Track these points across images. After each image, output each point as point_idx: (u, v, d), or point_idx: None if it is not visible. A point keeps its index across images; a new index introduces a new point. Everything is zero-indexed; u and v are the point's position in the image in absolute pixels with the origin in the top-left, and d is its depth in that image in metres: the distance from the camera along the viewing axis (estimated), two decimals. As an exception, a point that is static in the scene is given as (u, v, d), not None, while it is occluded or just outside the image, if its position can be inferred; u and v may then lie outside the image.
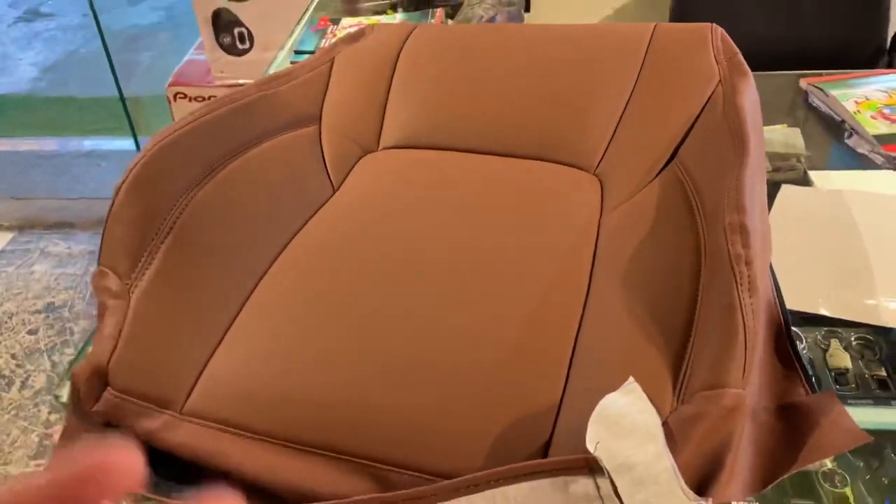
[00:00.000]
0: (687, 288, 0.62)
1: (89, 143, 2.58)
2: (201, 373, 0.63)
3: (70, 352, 1.98)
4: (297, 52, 1.40)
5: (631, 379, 0.53)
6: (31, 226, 2.39)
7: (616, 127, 0.85)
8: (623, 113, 0.86)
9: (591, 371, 0.60)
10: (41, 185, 2.44)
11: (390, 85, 0.93)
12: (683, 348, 0.58)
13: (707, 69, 0.85)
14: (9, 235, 2.38)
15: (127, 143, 2.38)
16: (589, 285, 0.69)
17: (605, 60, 0.89)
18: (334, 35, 1.42)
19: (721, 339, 0.54)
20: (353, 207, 0.79)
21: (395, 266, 0.70)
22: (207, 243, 0.71)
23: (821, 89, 1.10)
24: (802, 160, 1.02)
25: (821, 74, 1.14)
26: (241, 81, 2.07)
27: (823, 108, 1.09)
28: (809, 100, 1.13)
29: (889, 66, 1.79)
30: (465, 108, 0.89)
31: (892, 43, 1.81)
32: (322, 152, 0.86)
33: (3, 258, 2.22)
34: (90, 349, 0.62)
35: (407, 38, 0.97)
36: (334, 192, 0.84)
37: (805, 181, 0.99)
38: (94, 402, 0.60)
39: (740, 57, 0.86)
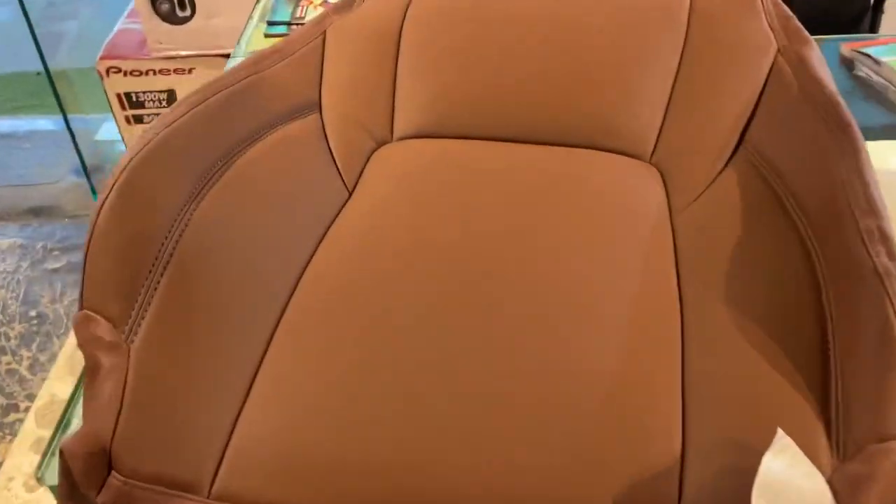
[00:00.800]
0: (808, 303, 0.53)
1: (9, 124, 2.33)
2: (228, 442, 0.50)
3: (7, 360, 1.79)
4: (271, 24, 1.23)
5: (780, 433, 0.43)
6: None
7: (667, 106, 0.74)
8: (672, 89, 0.75)
9: (711, 412, 0.50)
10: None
11: (397, 62, 0.80)
12: (825, 383, 0.48)
13: (761, 36, 0.75)
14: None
15: (54, 123, 2.15)
16: (680, 301, 0.58)
17: (644, 27, 0.78)
18: (311, 2, 1.26)
19: (882, 375, 0.45)
20: (377, 217, 0.66)
21: (446, 292, 0.58)
22: (213, 273, 0.57)
23: (869, 56, 1.01)
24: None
25: (861, 39, 1.06)
26: (182, 53, 1.88)
27: (875, 77, 1.01)
28: (855, 70, 1.04)
29: (872, 26, 1.73)
30: (491, 87, 0.76)
31: (875, 1, 1.75)
32: (329, 146, 0.73)
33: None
34: (79, 420, 0.49)
35: (409, 4, 0.84)
36: (350, 194, 0.71)
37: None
38: (97, 492, 0.47)
39: (796, 21, 0.76)
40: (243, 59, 0.82)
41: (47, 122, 2.25)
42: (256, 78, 0.71)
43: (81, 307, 0.52)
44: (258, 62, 0.73)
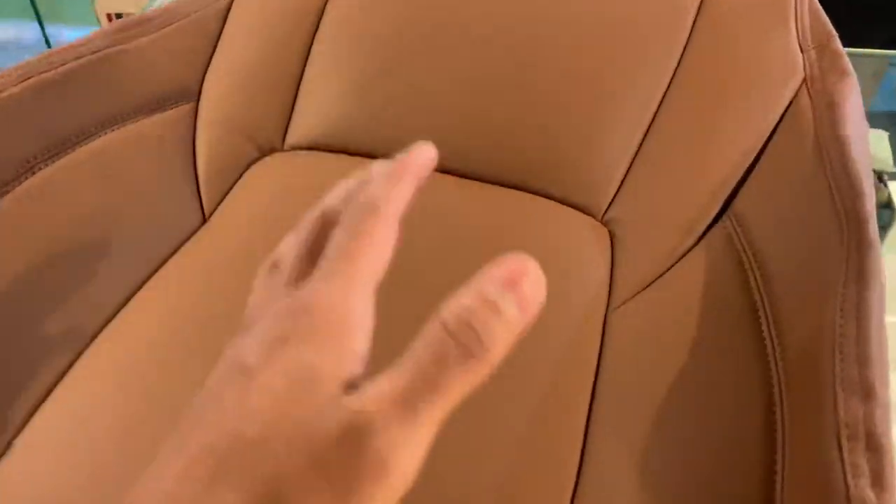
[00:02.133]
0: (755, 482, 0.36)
1: (10, 33, 2.20)
2: None
3: None
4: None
5: None
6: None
7: (640, 146, 0.56)
8: (651, 124, 0.56)
9: None
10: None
11: (310, 49, 0.62)
12: None
13: (787, 58, 0.56)
14: None
15: (30, 32, 2.01)
16: (586, 432, 0.42)
17: (632, 36, 0.59)
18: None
19: None
20: (221, 263, 0.50)
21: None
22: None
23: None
24: (886, 179, 0.74)
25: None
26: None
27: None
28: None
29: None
30: (419, 95, 0.58)
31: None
32: (193, 151, 0.57)
33: None
34: None
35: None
36: (204, 221, 0.55)
37: (893, 210, 0.71)
38: None
39: (837, 43, 0.57)
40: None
41: (26, 31, 2.10)
42: (111, 52, 0.55)
43: None
44: (125, 28, 0.57)
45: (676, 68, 0.57)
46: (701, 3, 0.61)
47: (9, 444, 0.42)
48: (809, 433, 0.35)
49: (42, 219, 0.48)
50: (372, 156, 0.59)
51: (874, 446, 0.31)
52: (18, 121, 0.48)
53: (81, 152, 0.51)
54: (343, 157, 0.58)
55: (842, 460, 0.31)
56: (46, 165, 0.49)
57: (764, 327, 0.42)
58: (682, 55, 0.57)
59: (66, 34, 1.98)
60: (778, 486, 0.35)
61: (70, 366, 0.46)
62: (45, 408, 0.44)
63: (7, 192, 0.47)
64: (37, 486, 0.40)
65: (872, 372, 0.34)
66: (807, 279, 0.41)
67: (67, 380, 0.45)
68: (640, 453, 0.40)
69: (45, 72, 0.51)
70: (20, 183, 0.47)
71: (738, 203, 0.50)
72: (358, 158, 0.58)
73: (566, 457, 0.42)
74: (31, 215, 0.48)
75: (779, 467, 0.36)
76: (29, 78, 0.50)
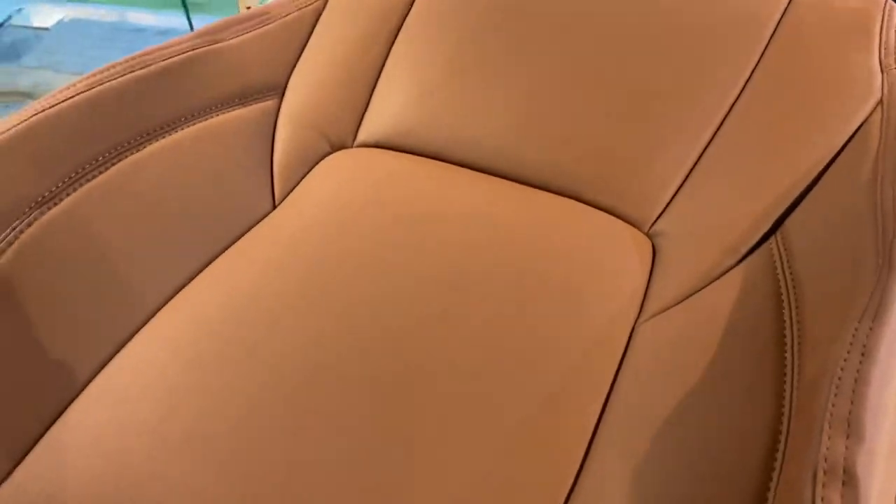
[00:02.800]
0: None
1: (166, 21, 2.39)
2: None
3: None
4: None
5: None
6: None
7: (695, 163, 0.55)
8: (711, 141, 0.56)
9: None
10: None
11: (388, 53, 0.66)
12: None
13: (865, 78, 0.53)
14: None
15: (178, 21, 2.17)
16: (594, 433, 0.43)
17: (700, 54, 0.58)
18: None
19: None
20: (288, 246, 0.55)
21: (334, 363, 0.47)
22: (44, 293, 0.49)
23: None
24: None
25: None
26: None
27: None
28: None
29: None
30: (480, 102, 0.61)
31: None
32: (272, 144, 0.62)
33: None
34: None
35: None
36: (274, 207, 0.60)
37: None
38: None
39: (922, 65, 0.54)
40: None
41: (177, 20, 2.27)
42: (208, 51, 0.61)
43: None
44: (221, 29, 0.63)
45: (744, 86, 0.56)
46: (781, 17, 0.59)
47: (77, 394, 0.49)
48: (795, 467, 0.34)
49: (129, 196, 0.54)
50: (431, 156, 0.61)
51: (851, 483, 0.31)
52: (118, 109, 0.54)
53: (169, 140, 0.57)
54: (405, 156, 0.61)
55: (813, 495, 0.31)
56: (137, 150, 0.55)
57: (788, 356, 0.41)
58: (752, 72, 0.56)
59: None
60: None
61: (136, 331, 0.52)
62: (112, 363, 0.50)
63: (102, 171, 0.53)
64: (100, 430, 0.46)
65: (865, 412, 0.33)
66: (833, 310, 0.40)
67: (132, 343, 0.51)
68: (639, 469, 0.41)
69: (147, 66, 0.57)
70: (114, 164, 0.54)
71: (789, 224, 0.48)
72: (418, 158, 0.61)
73: (566, 460, 0.43)
74: (120, 192, 0.54)
75: (770, 498, 0.36)
76: (132, 71, 0.56)
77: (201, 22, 1.99)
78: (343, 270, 0.52)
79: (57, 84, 1.85)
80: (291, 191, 0.60)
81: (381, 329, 0.48)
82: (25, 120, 0.50)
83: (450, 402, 0.44)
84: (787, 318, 0.43)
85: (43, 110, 0.51)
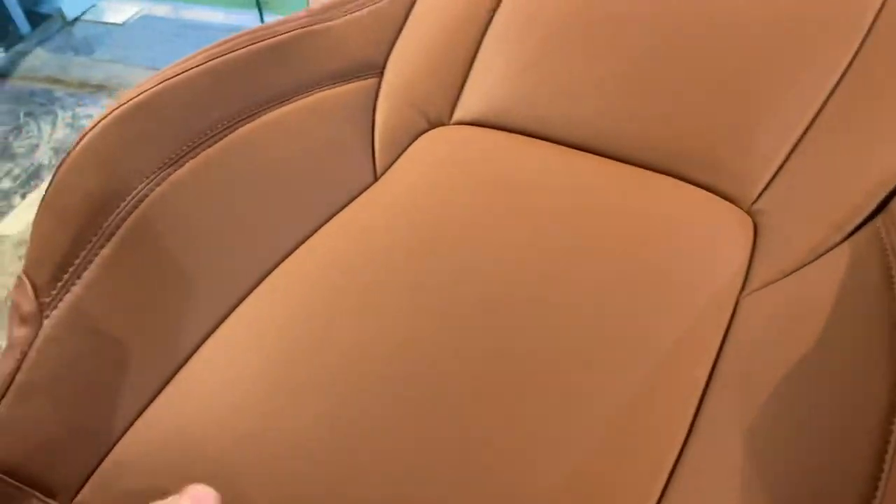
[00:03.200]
0: (856, 485, 0.36)
1: (234, 18, 2.44)
2: (112, 447, 0.46)
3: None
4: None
5: None
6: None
7: (797, 142, 0.56)
8: (813, 120, 0.56)
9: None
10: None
11: (485, 32, 0.68)
12: None
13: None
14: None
15: (247, 19, 2.22)
16: (700, 404, 0.44)
17: (801, 32, 0.59)
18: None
19: None
20: (389, 222, 0.57)
21: (441, 327, 0.48)
22: (169, 250, 0.52)
23: None
24: None
25: None
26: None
27: None
28: None
29: None
30: (578, 81, 0.62)
31: None
32: (373, 119, 0.64)
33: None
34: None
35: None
36: (375, 179, 0.62)
37: None
38: (-34, 469, 0.45)
39: None
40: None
41: (252, 19, 2.32)
42: (316, 29, 0.63)
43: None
44: (328, 9, 0.65)
45: (847, 68, 0.56)
46: (884, 2, 0.59)
47: (186, 360, 0.51)
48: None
49: (243, 164, 0.56)
50: (528, 134, 0.63)
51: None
52: (235, 80, 0.57)
53: (279, 112, 0.60)
54: (499, 133, 0.63)
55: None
56: (251, 120, 0.58)
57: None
58: (854, 55, 0.56)
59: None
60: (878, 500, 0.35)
61: (252, 288, 0.54)
62: (231, 317, 0.52)
63: (216, 142, 0.56)
64: (219, 381, 0.48)
65: None
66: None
67: (249, 299, 0.53)
68: (751, 431, 0.41)
69: (260, 41, 0.60)
70: (225, 136, 0.56)
71: (893, 205, 0.49)
72: (514, 135, 0.63)
73: (673, 426, 0.44)
74: (228, 164, 0.56)
75: (882, 482, 0.36)
76: (247, 46, 0.59)
77: (269, 18, 2.03)
78: (447, 237, 0.54)
79: (128, 77, 1.91)
80: (391, 165, 0.62)
81: (487, 298, 0.50)
82: (156, 85, 0.53)
83: (556, 374, 0.46)
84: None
85: (170, 77, 0.54)
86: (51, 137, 1.83)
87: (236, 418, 0.45)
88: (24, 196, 1.58)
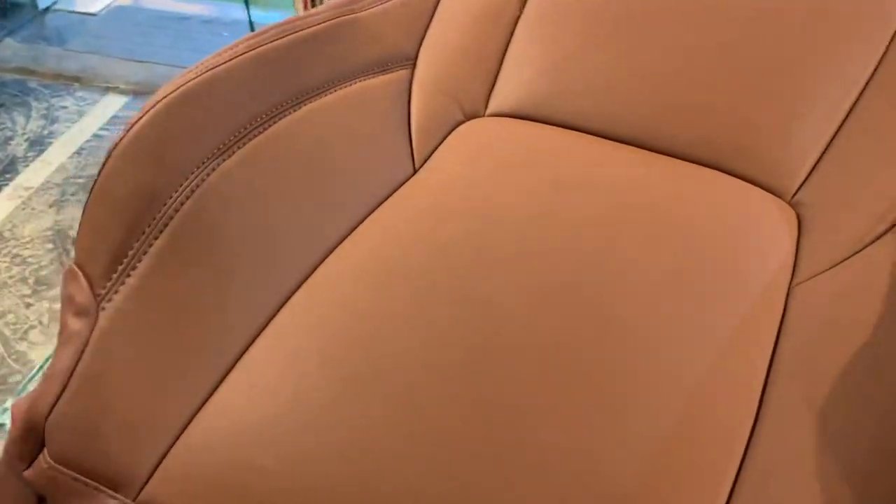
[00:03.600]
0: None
1: (212, 10, 2.39)
2: (175, 442, 0.45)
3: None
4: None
5: None
6: (148, 91, 2.27)
7: (836, 132, 0.57)
8: (851, 111, 0.58)
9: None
10: (162, 51, 2.30)
11: (516, 23, 0.68)
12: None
13: None
14: (124, 99, 2.27)
15: (223, 11, 2.19)
16: (762, 397, 0.45)
17: (837, 26, 0.60)
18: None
19: None
20: (434, 206, 0.57)
21: (483, 314, 0.48)
22: (216, 241, 0.51)
23: None
24: None
25: None
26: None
27: None
28: None
29: None
30: (617, 69, 0.63)
31: None
32: (409, 110, 0.64)
33: (117, 123, 2.11)
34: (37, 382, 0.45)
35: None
36: (414, 171, 0.62)
37: None
38: (26, 465, 0.43)
39: None
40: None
41: (241, 13, 2.28)
42: (347, 20, 0.62)
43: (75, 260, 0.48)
44: (350, 2, 0.64)
45: (880, 60, 0.58)
46: None
47: (243, 351, 0.50)
48: None
49: (288, 153, 0.56)
50: (565, 126, 0.63)
51: None
52: (278, 69, 0.56)
53: (321, 102, 0.59)
54: (537, 125, 0.63)
55: None
56: (294, 110, 0.57)
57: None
58: (887, 47, 0.58)
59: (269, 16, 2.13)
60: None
61: (304, 279, 0.53)
62: (282, 312, 0.52)
63: (261, 131, 0.55)
64: (277, 373, 0.47)
65: None
66: None
67: (301, 291, 0.52)
68: (820, 412, 0.42)
69: (297, 31, 0.59)
70: (271, 125, 0.55)
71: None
72: (552, 127, 0.63)
73: (739, 415, 0.45)
74: (275, 154, 0.56)
75: None
76: (285, 35, 0.58)
77: (254, 13, 2.00)
78: (496, 232, 0.54)
79: (105, 69, 1.86)
80: (429, 157, 0.62)
81: (545, 292, 0.50)
82: (201, 74, 0.52)
83: (619, 369, 0.46)
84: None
85: (214, 66, 0.53)
86: (25, 129, 1.78)
87: (300, 409, 0.45)
88: (-2, 189, 1.54)
